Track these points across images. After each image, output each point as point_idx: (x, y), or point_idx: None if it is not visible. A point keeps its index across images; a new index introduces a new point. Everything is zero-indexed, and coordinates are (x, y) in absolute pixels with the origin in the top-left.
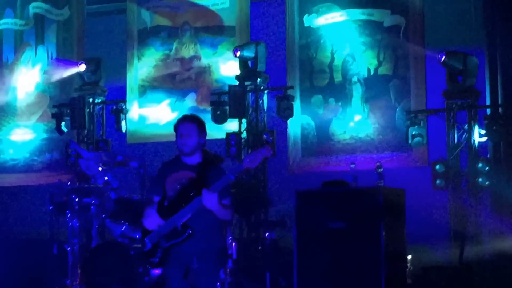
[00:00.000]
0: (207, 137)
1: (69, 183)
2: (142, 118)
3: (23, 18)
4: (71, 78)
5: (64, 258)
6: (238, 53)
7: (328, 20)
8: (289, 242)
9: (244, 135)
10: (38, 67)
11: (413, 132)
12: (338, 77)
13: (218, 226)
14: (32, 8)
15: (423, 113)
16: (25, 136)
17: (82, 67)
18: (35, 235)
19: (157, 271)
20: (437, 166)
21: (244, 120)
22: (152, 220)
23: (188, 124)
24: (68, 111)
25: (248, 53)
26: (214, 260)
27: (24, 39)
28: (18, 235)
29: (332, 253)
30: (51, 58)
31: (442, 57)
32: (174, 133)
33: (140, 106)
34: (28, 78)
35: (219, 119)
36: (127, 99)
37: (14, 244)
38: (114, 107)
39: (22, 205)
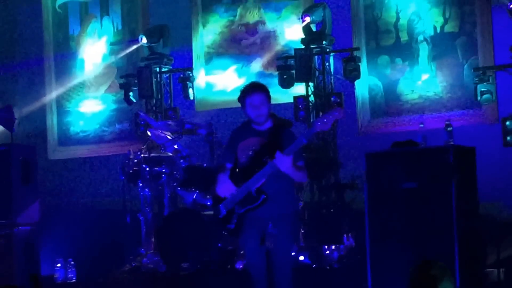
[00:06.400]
0: (275, 102)
1: (139, 153)
2: (209, 85)
3: None
4: (137, 48)
5: (137, 227)
6: (308, 19)
7: None
8: (360, 205)
9: (311, 98)
10: (104, 39)
11: (482, 89)
12: (404, 37)
13: (291, 190)
14: None
15: (491, 69)
16: (95, 107)
17: (143, 40)
18: (108, 205)
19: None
20: (508, 123)
21: (311, 84)
22: (226, 187)
23: (259, 94)
24: (136, 81)
25: (316, 17)
26: (289, 224)
27: (89, 10)
28: (91, 206)
29: (403, 213)
30: (117, 30)
31: (510, 5)
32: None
33: (207, 73)
34: (95, 50)
35: (286, 84)
36: (193, 66)
37: (88, 214)
38: (181, 75)
39: (94, 176)
